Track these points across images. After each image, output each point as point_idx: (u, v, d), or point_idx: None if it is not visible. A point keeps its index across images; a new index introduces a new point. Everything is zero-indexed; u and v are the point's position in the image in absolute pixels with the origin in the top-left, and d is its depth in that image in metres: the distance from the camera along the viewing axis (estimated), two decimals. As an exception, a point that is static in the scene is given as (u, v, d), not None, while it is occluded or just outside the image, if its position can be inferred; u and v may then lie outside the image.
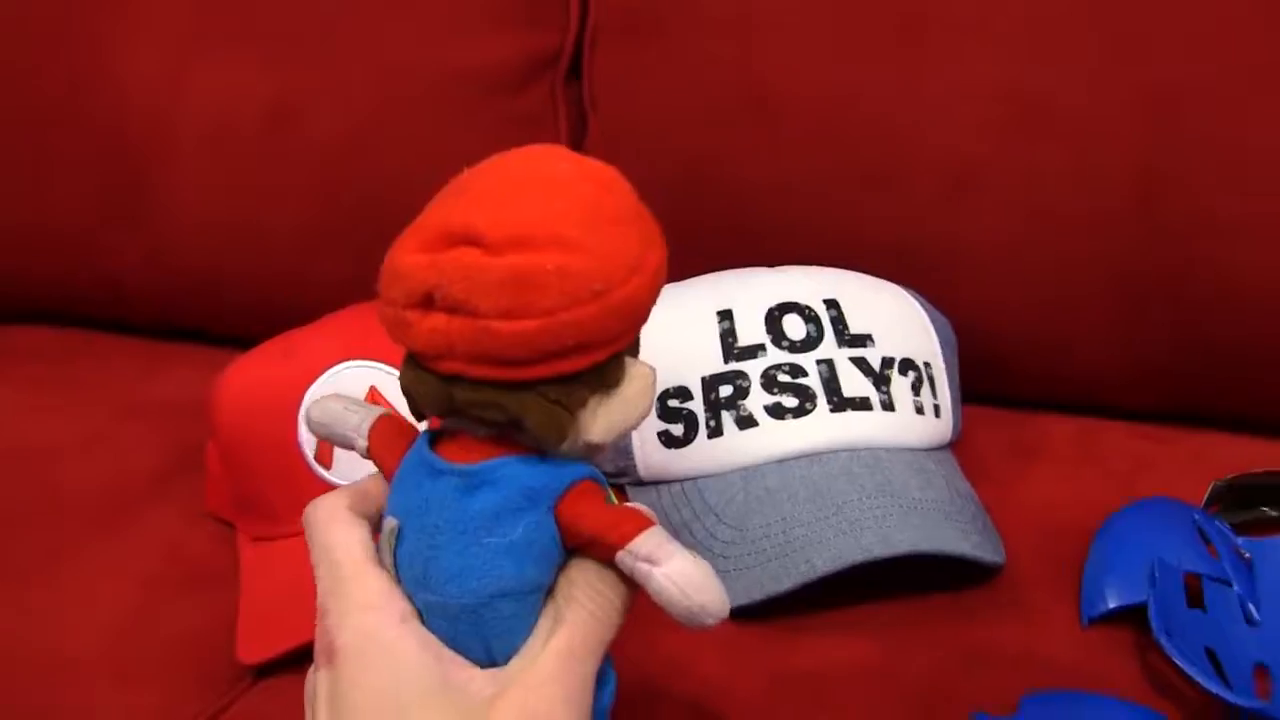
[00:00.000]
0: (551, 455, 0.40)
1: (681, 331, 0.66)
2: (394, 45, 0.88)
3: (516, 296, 0.37)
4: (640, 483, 0.66)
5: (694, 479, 0.64)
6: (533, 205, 0.39)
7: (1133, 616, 0.55)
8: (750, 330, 0.65)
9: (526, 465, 0.40)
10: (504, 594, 0.40)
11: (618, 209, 0.40)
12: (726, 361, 0.64)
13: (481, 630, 0.39)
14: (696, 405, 0.64)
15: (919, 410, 0.64)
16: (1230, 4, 0.71)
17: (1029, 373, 0.77)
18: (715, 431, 0.64)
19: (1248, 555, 0.57)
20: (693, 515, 0.62)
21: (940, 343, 0.69)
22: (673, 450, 0.65)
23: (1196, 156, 0.71)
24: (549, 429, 0.39)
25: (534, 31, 0.89)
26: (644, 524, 0.39)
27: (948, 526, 0.58)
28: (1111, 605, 0.56)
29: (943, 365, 0.69)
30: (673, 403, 0.64)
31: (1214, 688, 0.48)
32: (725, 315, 0.66)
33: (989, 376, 0.76)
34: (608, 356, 0.39)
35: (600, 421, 0.39)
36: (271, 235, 0.91)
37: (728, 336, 0.65)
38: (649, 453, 0.65)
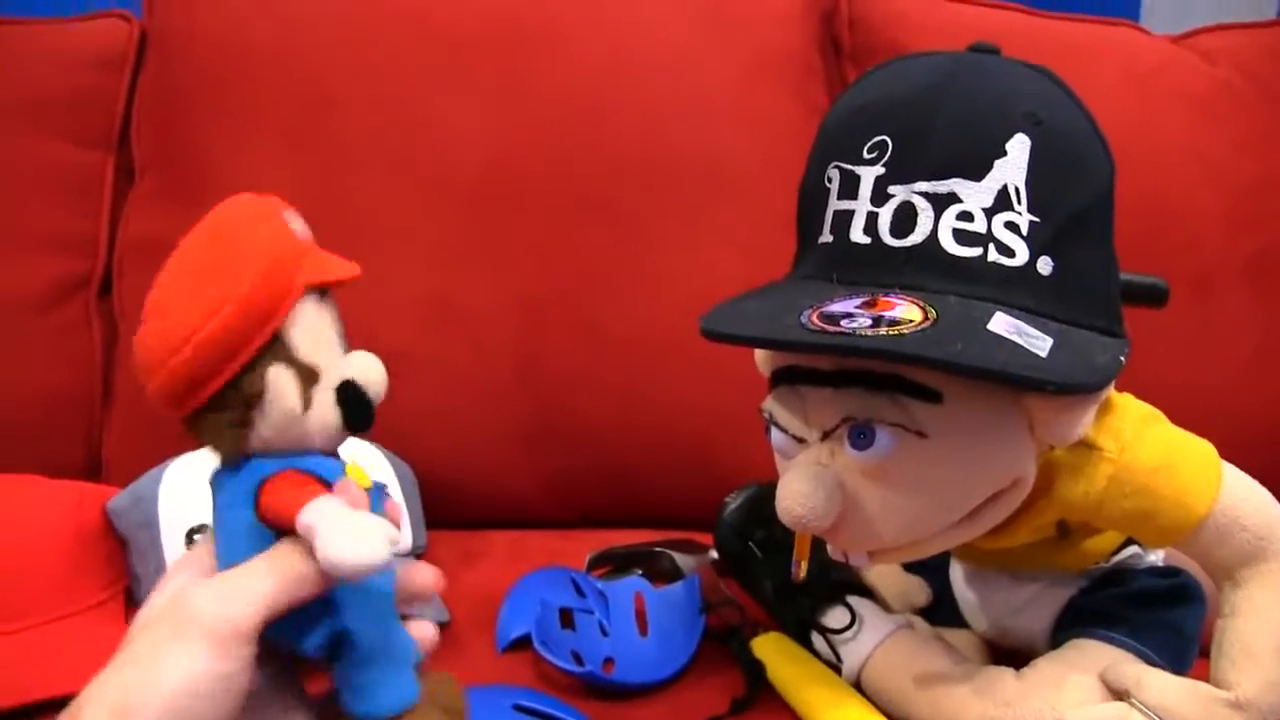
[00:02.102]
0: (263, 458, 0.47)
1: (200, 480, 0.84)
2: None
3: (141, 363, 0.47)
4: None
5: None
6: (162, 276, 0.48)
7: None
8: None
9: (235, 472, 0.48)
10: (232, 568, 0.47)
11: (212, 258, 0.47)
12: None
13: None
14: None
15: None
16: (580, 223, 1.04)
17: (472, 500, 1.04)
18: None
19: (606, 594, 0.85)
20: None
21: (398, 477, 0.94)
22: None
23: (558, 336, 1.03)
24: (219, 446, 0.48)
25: (68, 257, 1.06)
26: (301, 498, 0.44)
27: None
28: (513, 635, 0.80)
29: (401, 492, 0.92)
30: (198, 537, 0.82)
31: (571, 668, 0.73)
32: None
33: (445, 505, 1.00)
34: (228, 380, 0.46)
35: (261, 425, 0.47)
36: None
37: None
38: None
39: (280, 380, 0.47)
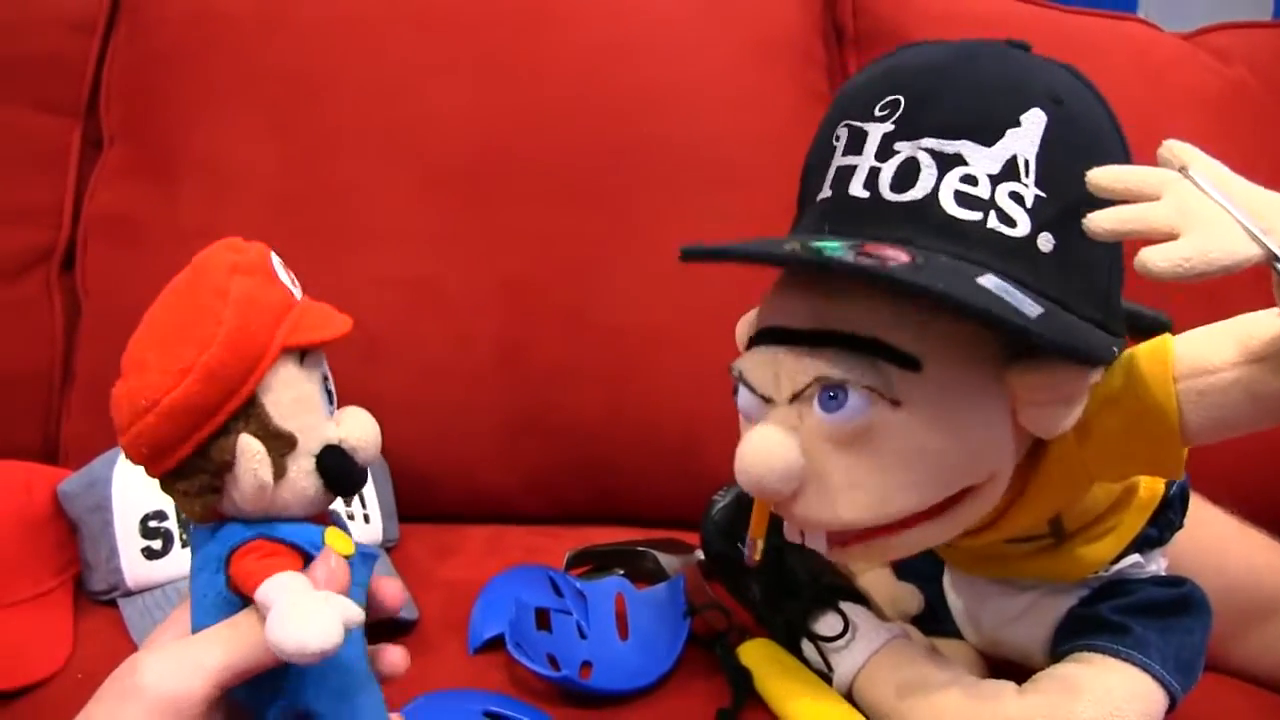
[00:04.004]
0: (237, 522, 0.47)
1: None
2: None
3: (115, 418, 0.46)
4: (129, 593, 0.78)
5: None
6: (136, 332, 0.47)
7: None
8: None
9: (209, 533, 0.47)
10: None
11: (184, 316, 0.46)
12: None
13: None
14: (171, 524, 0.78)
15: (349, 518, 0.83)
16: (570, 209, 1.01)
17: (448, 492, 0.99)
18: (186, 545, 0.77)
19: (586, 594, 0.81)
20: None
21: (372, 470, 0.89)
22: (154, 562, 0.78)
23: (543, 325, 0.99)
24: (188, 510, 0.47)
25: (29, 228, 1.01)
26: (263, 572, 0.45)
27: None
28: (486, 636, 0.76)
29: (372, 482, 0.88)
30: (153, 523, 0.78)
31: (546, 672, 0.70)
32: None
33: (419, 497, 0.96)
34: (194, 448, 0.45)
35: (233, 492, 0.46)
36: None
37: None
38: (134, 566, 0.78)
39: (249, 450, 0.45)
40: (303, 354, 0.48)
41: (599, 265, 1.02)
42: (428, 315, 0.99)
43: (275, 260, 0.50)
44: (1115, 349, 0.54)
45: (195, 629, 0.47)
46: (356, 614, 0.44)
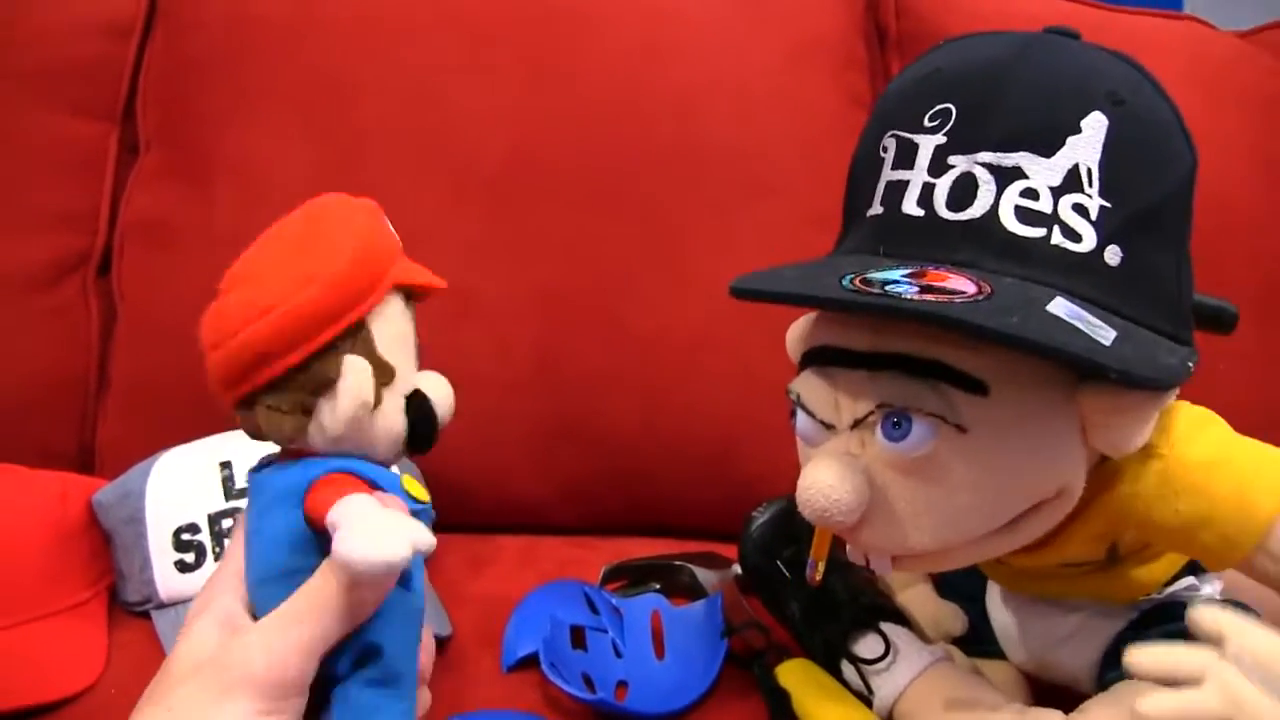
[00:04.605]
0: (316, 456, 0.46)
1: (189, 477, 0.80)
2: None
3: (211, 331, 0.45)
4: (161, 605, 0.78)
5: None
6: (249, 251, 0.47)
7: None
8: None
9: (284, 470, 0.46)
10: (267, 579, 0.46)
11: (306, 236, 0.46)
12: (228, 500, 0.79)
13: (269, 609, 0.45)
14: (204, 537, 0.78)
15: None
16: (607, 216, 0.99)
17: (483, 502, 0.98)
18: (220, 558, 0.76)
19: (622, 611, 0.80)
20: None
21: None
22: (187, 575, 0.78)
23: (578, 333, 0.98)
24: (273, 431, 0.45)
25: (66, 233, 1.01)
26: (337, 496, 0.44)
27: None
28: (520, 654, 0.75)
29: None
30: (186, 536, 0.78)
31: (581, 694, 0.68)
32: (226, 465, 0.80)
33: (454, 507, 0.95)
34: (302, 359, 0.44)
35: (325, 415, 0.45)
36: None
37: (228, 481, 0.79)
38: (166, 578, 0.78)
39: (356, 370, 0.45)
40: (407, 295, 0.50)
41: (635, 273, 1.00)
42: (462, 323, 0.97)
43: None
44: (1190, 364, 0.51)
45: (262, 566, 0.46)
46: (427, 538, 0.44)
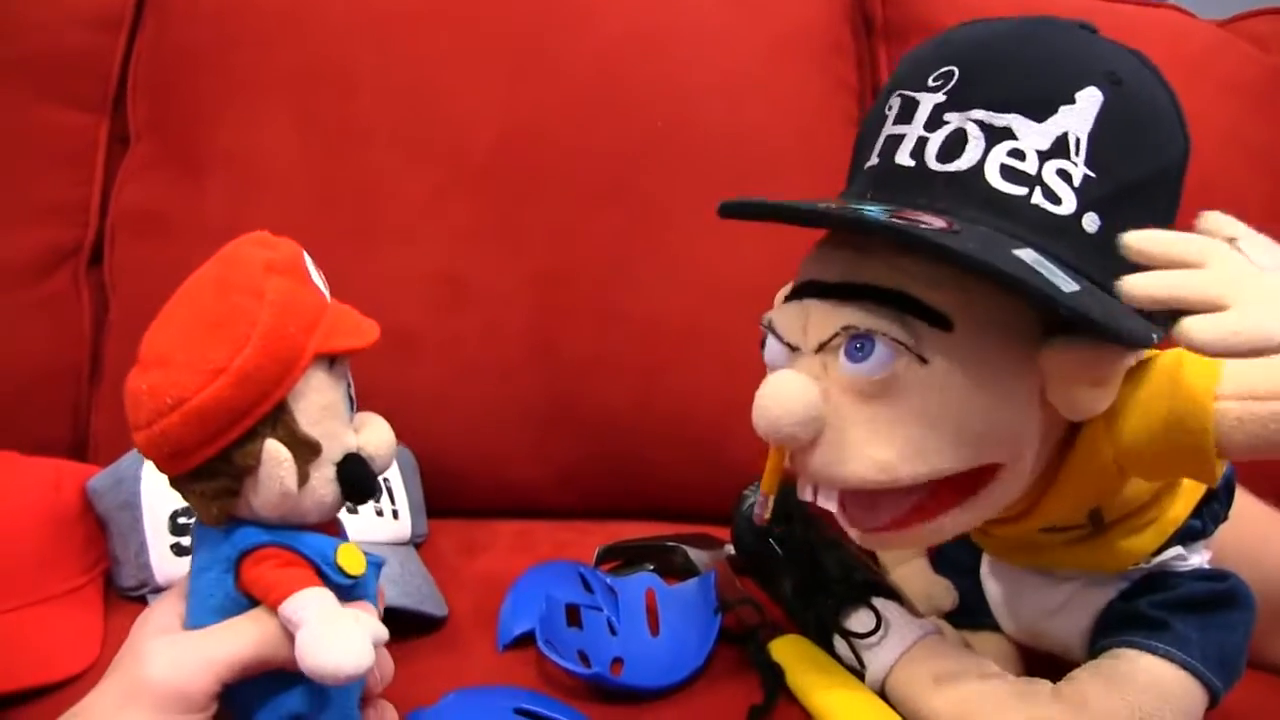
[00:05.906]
0: (250, 525, 0.46)
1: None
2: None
3: (131, 411, 0.45)
4: (158, 589, 0.78)
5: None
6: (162, 318, 0.46)
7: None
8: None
9: (216, 535, 0.47)
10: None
11: (217, 312, 0.45)
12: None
13: None
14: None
15: (379, 514, 0.83)
16: (599, 203, 1.00)
17: (478, 487, 0.99)
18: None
19: (616, 590, 0.80)
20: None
21: (399, 463, 0.89)
22: (183, 559, 0.78)
23: (572, 319, 0.98)
24: (202, 512, 0.46)
25: (57, 224, 1.01)
26: (291, 590, 0.44)
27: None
28: (516, 632, 0.75)
29: (400, 478, 0.88)
30: (182, 519, 0.78)
31: (577, 669, 0.69)
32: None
33: (449, 492, 0.96)
34: (219, 451, 0.44)
35: (251, 497, 0.45)
36: None
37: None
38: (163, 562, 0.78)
39: (276, 457, 0.44)
40: (332, 360, 0.48)
41: (628, 259, 1.01)
42: (457, 310, 0.98)
43: (307, 260, 0.49)
44: (1155, 336, 0.52)
45: (194, 625, 0.47)
46: (383, 632, 0.44)
